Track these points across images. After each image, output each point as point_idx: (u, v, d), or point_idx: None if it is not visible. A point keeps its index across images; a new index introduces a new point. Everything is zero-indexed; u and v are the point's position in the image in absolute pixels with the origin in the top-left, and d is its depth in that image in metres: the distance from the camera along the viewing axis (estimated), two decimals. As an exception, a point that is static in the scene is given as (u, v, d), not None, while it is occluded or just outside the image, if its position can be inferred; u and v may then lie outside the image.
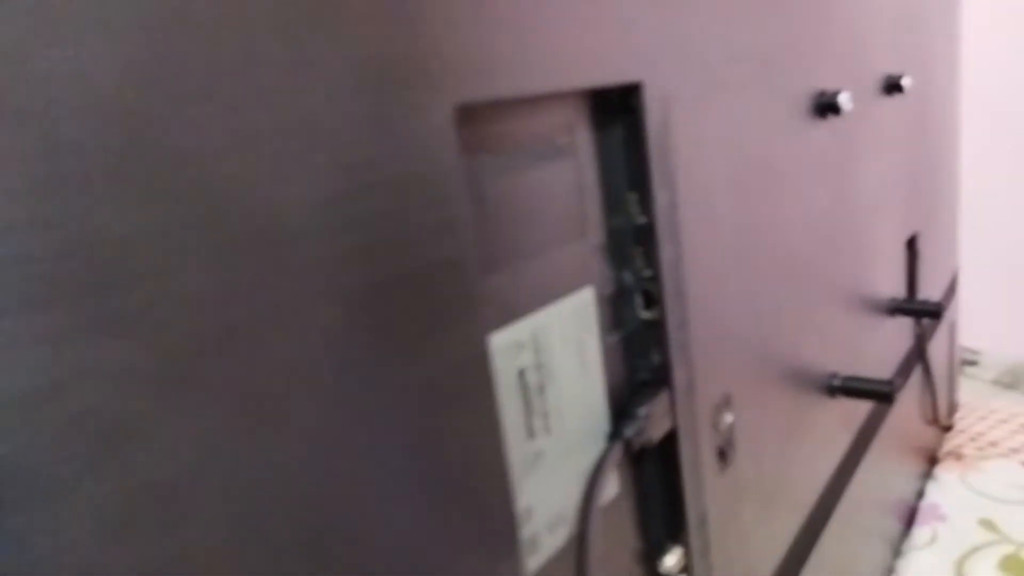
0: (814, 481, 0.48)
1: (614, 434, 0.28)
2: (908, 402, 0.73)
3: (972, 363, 1.09)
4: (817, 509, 0.49)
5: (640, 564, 0.32)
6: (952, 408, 0.93)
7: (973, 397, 0.98)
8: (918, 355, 0.71)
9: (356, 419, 0.18)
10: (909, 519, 0.72)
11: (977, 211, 1.04)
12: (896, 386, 0.47)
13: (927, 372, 0.73)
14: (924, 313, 0.61)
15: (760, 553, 0.40)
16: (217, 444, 0.15)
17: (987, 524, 0.70)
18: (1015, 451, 0.81)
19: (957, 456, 0.82)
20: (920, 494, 0.76)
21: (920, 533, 0.70)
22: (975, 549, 0.67)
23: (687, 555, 0.32)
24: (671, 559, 0.32)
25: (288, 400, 0.16)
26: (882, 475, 0.67)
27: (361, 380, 0.18)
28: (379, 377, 0.19)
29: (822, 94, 0.45)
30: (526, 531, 0.25)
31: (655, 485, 0.32)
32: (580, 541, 0.24)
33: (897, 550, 0.68)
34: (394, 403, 0.19)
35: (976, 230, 1.04)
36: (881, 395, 0.47)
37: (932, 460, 0.82)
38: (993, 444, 0.83)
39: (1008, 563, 0.65)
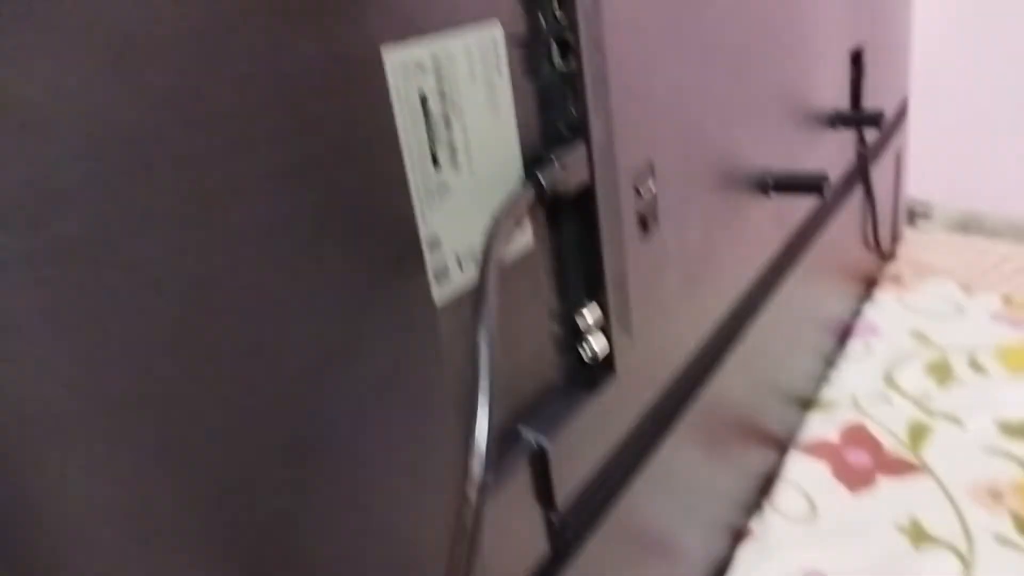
0: (743, 274, 0.50)
1: (527, 179, 0.28)
2: (849, 224, 0.75)
3: (924, 216, 1.11)
4: (746, 302, 0.51)
5: (558, 321, 0.32)
6: (896, 238, 0.95)
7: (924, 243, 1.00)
8: (860, 172, 0.72)
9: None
10: (844, 335, 0.75)
11: (926, 66, 1.03)
12: (828, 180, 0.47)
13: (868, 193, 0.75)
14: (864, 121, 0.61)
15: (683, 329, 0.42)
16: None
17: (918, 335, 0.73)
18: (950, 272, 0.84)
19: (896, 280, 0.84)
20: (857, 313, 0.79)
21: (854, 346, 0.73)
22: (904, 357, 0.70)
23: (606, 314, 0.33)
24: (589, 315, 0.33)
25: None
26: (819, 292, 0.69)
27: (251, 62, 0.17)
28: (268, 63, 0.18)
29: None
30: (435, 259, 0.25)
31: (573, 244, 0.32)
32: (481, 276, 0.24)
33: (831, 362, 0.72)
34: (284, 87, 0.18)
35: (927, 84, 1.03)
36: (812, 187, 0.47)
37: (872, 284, 0.85)
38: (932, 268, 0.86)
39: (933, 367, 0.68)
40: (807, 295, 0.65)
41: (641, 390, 0.38)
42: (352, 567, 0.23)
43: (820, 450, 0.60)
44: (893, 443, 0.60)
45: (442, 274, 0.25)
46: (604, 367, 0.34)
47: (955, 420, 0.62)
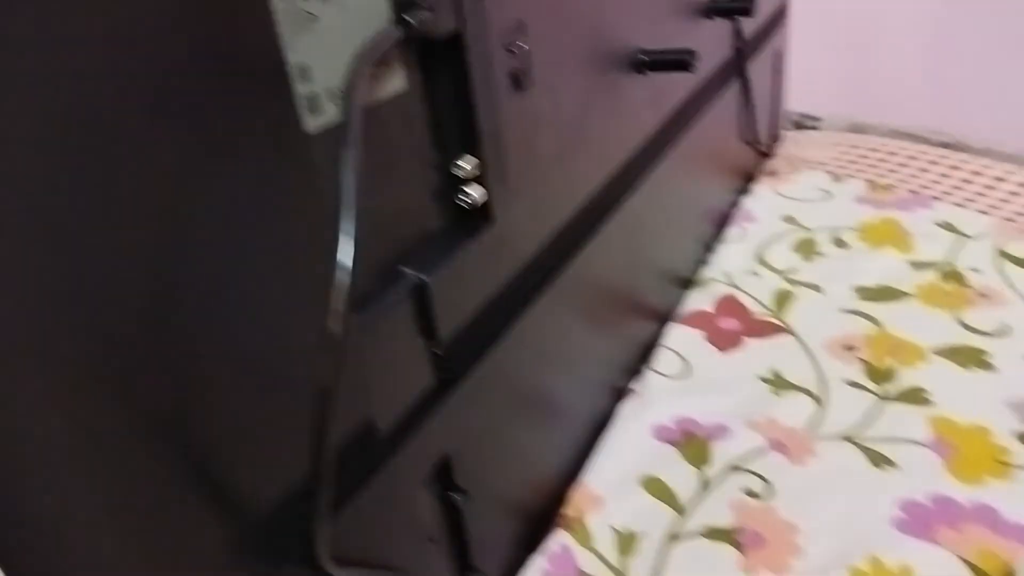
0: (619, 148, 0.53)
1: (395, 20, 0.30)
2: (728, 119, 0.79)
3: (813, 127, 1.16)
4: (623, 176, 0.54)
5: (437, 169, 0.34)
6: (776, 139, 1.01)
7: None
8: (736, 66, 0.76)
9: None
10: (723, 223, 0.80)
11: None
12: (696, 54, 0.50)
13: (745, 87, 0.79)
14: (735, 11, 0.64)
15: (562, 191, 0.45)
16: None
17: (788, 219, 0.79)
18: (823, 164, 0.90)
19: (773, 174, 0.90)
20: (736, 204, 0.84)
21: (731, 232, 0.78)
22: (775, 238, 0.76)
23: (482, 165, 0.35)
24: (466, 164, 0.35)
25: None
26: (698, 182, 0.73)
27: None
28: None
29: None
30: (305, 88, 0.26)
31: (448, 93, 0.34)
32: (345, 109, 0.25)
33: (710, 247, 0.77)
34: None
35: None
36: (681, 63, 0.50)
37: (751, 179, 0.91)
38: (806, 161, 0.92)
39: (800, 245, 0.74)
40: (686, 183, 0.69)
41: (520, 243, 0.41)
42: (226, 396, 0.25)
43: (695, 319, 0.66)
44: (760, 310, 0.66)
45: (314, 105, 0.27)
46: (483, 216, 0.37)
47: (817, 288, 0.68)
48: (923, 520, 0.45)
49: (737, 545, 0.45)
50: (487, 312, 0.38)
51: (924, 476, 0.48)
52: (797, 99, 1.10)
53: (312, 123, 0.27)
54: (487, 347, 0.39)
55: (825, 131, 1.09)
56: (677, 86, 0.63)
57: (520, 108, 0.38)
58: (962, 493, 0.47)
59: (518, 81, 0.38)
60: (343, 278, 0.24)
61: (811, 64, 1.07)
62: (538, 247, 0.43)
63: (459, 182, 0.35)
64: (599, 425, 0.55)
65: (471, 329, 0.37)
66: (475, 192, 0.36)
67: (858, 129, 1.07)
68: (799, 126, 1.13)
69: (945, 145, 0.92)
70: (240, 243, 0.24)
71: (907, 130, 1.00)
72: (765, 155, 0.95)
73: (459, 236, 0.36)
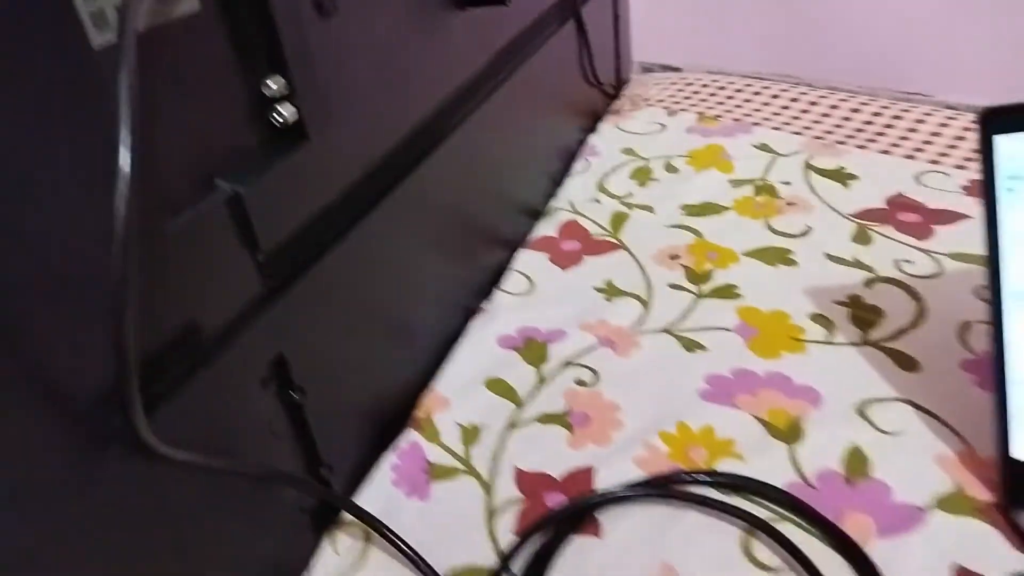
0: (446, 79, 0.56)
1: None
2: (566, 57, 0.84)
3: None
4: (452, 105, 0.58)
5: (245, 88, 0.37)
6: (622, 82, 1.07)
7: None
8: (570, 6, 0.81)
9: None
10: (570, 160, 0.86)
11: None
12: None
13: (580, 28, 0.84)
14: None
15: (383, 115, 0.48)
16: None
17: (627, 151, 0.85)
18: (661, 101, 0.97)
19: (616, 112, 0.96)
20: (583, 142, 0.90)
21: (577, 166, 0.84)
22: (615, 168, 0.82)
23: (290, 85, 0.38)
24: (273, 84, 0.38)
25: None
26: (545, 122, 0.78)
27: None
28: None
29: None
30: (88, 5, 0.28)
31: (245, 17, 0.36)
32: (120, 24, 0.28)
33: (558, 182, 0.82)
34: None
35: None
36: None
37: (598, 119, 0.96)
38: (647, 100, 0.98)
39: (636, 173, 0.81)
40: (529, 120, 0.74)
41: (343, 163, 0.44)
42: (35, 298, 0.27)
43: (541, 243, 0.71)
44: (599, 231, 0.72)
45: (100, 19, 0.29)
46: (296, 134, 0.40)
47: (649, 209, 0.74)
48: (725, 389, 0.52)
49: (567, 426, 0.51)
50: (313, 226, 0.42)
51: (728, 355, 0.55)
52: (659, 52, 1.17)
53: (98, 39, 0.29)
54: (316, 259, 0.42)
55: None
56: (506, 23, 0.67)
57: (327, 33, 0.41)
58: (760, 366, 0.54)
59: (321, 7, 0.40)
60: (123, 185, 0.27)
61: (667, 18, 1.13)
62: (364, 168, 0.46)
63: (271, 101, 0.38)
64: (451, 341, 0.60)
65: (297, 240, 0.41)
66: (286, 111, 0.39)
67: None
68: (647, 70, 1.20)
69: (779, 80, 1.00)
70: (35, 156, 0.26)
71: (753, 74, 1.08)
72: (611, 96, 1.01)
73: (274, 153, 0.39)
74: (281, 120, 0.39)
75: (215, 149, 0.36)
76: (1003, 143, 0.40)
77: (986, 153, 0.41)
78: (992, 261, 0.41)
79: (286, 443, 0.42)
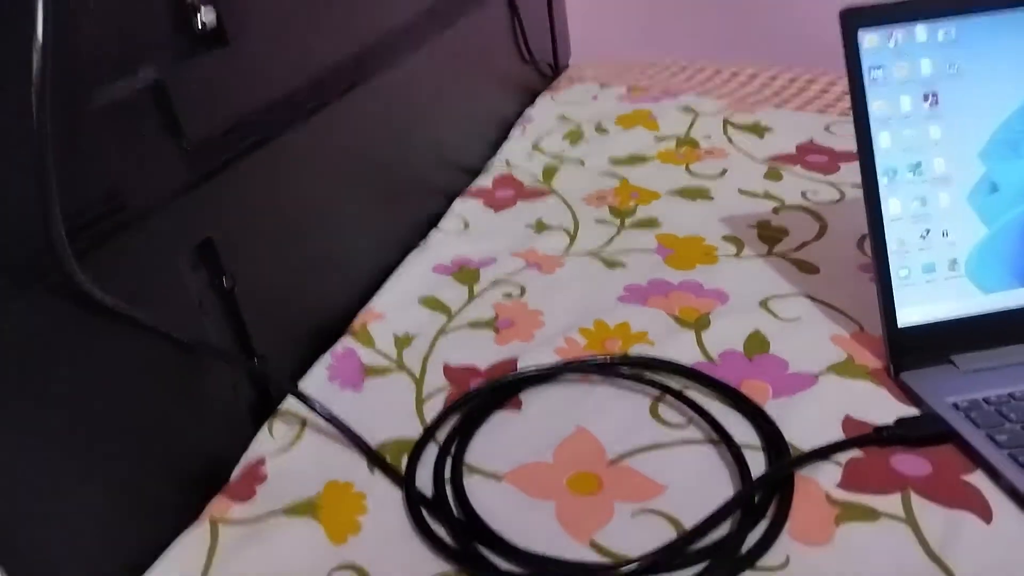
0: (366, 24, 0.60)
1: None
2: (497, 34, 0.88)
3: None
4: (375, 51, 0.62)
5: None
6: (560, 65, 1.12)
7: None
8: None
9: None
10: (507, 129, 0.90)
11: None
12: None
13: (514, 9, 0.89)
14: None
15: (302, 42, 0.52)
16: None
17: (561, 117, 0.90)
18: (595, 78, 1.02)
19: (554, 88, 1.01)
20: (520, 114, 0.94)
21: (514, 132, 0.88)
22: (549, 131, 0.86)
23: (219, 16, 0.42)
24: (207, 14, 0.41)
25: None
26: (480, 91, 0.82)
27: None
28: None
29: None
30: None
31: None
32: None
33: (496, 146, 0.86)
34: None
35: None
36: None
37: (534, 96, 1.01)
38: (583, 79, 1.03)
39: (569, 134, 0.85)
40: (461, 86, 0.78)
41: (263, 76, 0.47)
42: None
43: (477, 193, 0.75)
44: (532, 181, 0.76)
45: None
46: (217, 37, 0.43)
47: (580, 162, 0.79)
48: (641, 294, 0.56)
49: (494, 329, 0.54)
50: (239, 126, 0.45)
51: (646, 269, 0.59)
52: (598, 44, 1.23)
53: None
54: (241, 156, 0.45)
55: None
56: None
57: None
58: (675, 276, 0.58)
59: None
60: (38, 66, 0.30)
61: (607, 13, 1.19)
62: (287, 85, 0.50)
63: (195, 8, 0.42)
64: (387, 272, 0.63)
65: (224, 137, 0.44)
66: (207, 17, 0.42)
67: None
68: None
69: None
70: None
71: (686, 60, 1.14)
72: (548, 78, 1.06)
73: (196, 52, 0.42)
74: (203, 22, 0.42)
75: (140, 44, 0.39)
76: (865, 36, 0.45)
77: (850, 47, 0.46)
78: (863, 143, 0.46)
79: (217, 327, 0.44)
